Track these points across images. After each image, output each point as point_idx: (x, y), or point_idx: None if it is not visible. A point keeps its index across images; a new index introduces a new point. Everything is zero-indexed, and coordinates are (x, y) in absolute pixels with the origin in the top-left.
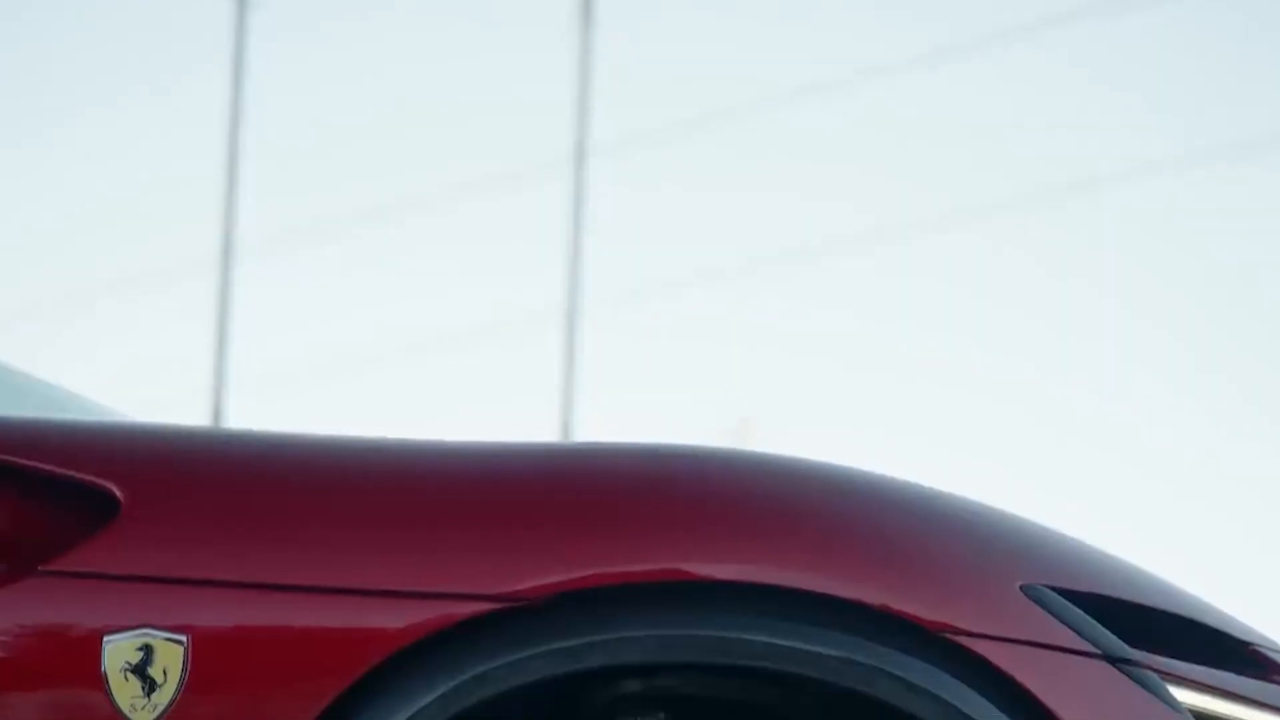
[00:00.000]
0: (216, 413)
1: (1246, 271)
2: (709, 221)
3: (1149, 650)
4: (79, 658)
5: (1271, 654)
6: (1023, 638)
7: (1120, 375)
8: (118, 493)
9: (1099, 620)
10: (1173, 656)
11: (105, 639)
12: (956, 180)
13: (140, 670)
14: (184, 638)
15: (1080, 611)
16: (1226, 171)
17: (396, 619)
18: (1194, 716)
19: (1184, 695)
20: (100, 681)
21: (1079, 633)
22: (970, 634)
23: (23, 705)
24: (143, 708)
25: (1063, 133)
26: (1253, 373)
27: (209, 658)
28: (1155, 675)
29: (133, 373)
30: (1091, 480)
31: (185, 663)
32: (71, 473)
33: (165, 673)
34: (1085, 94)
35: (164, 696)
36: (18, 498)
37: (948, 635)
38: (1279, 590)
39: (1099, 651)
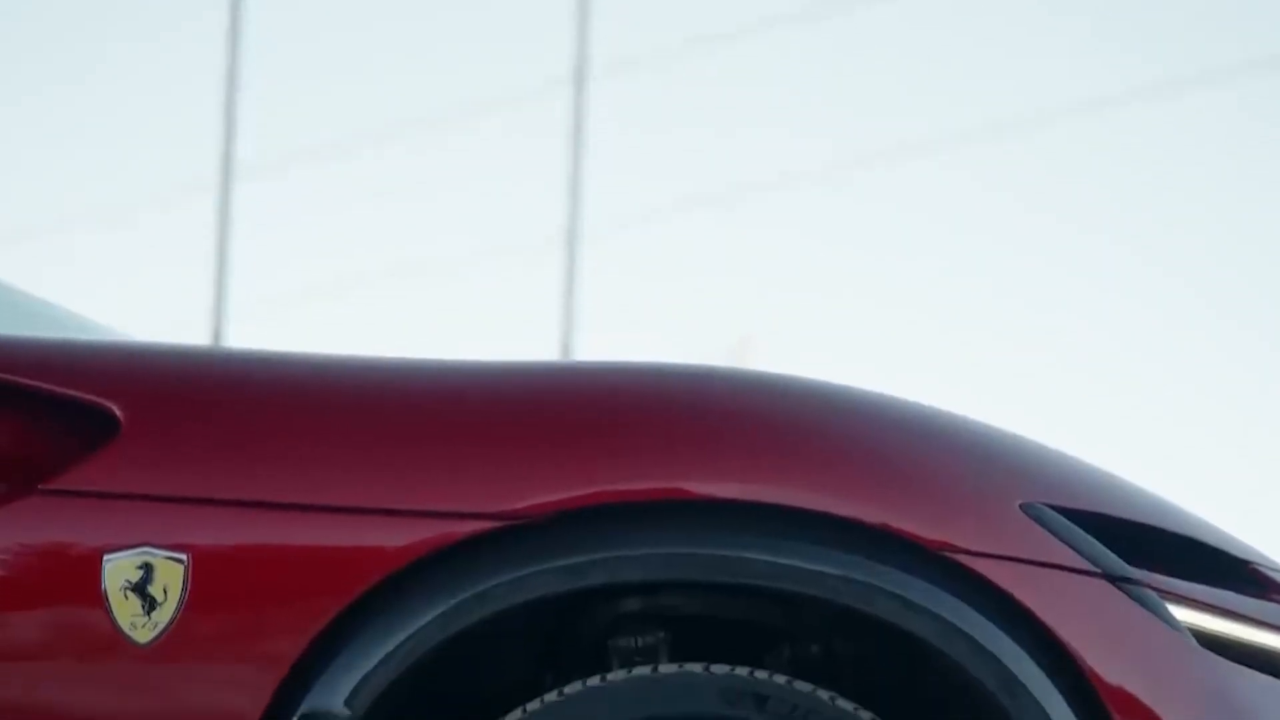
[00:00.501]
0: (216, 334)
1: (1210, 195)
2: (709, 147)
3: (1148, 569)
4: (79, 576)
5: (1270, 572)
6: (1022, 556)
7: (1127, 308)
8: (118, 412)
9: (1098, 539)
10: (1172, 575)
11: (105, 558)
12: (952, 105)
13: (140, 589)
14: (184, 556)
15: (1080, 530)
16: (1190, 100)
17: (396, 538)
18: (1193, 634)
19: (1183, 613)
20: (100, 600)
21: (1078, 551)
22: (969, 552)
23: (23, 624)
24: (143, 626)
25: (1058, 58)
26: (1227, 295)
27: (209, 576)
28: (1154, 594)
29: (133, 294)
30: (1092, 407)
31: (185, 581)
32: (71, 392)
33: (165, 591)
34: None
35: (164, 615)
36: (18, 417)
37: (947, 554)
38: (1275, 508)
39: (1098, 570)
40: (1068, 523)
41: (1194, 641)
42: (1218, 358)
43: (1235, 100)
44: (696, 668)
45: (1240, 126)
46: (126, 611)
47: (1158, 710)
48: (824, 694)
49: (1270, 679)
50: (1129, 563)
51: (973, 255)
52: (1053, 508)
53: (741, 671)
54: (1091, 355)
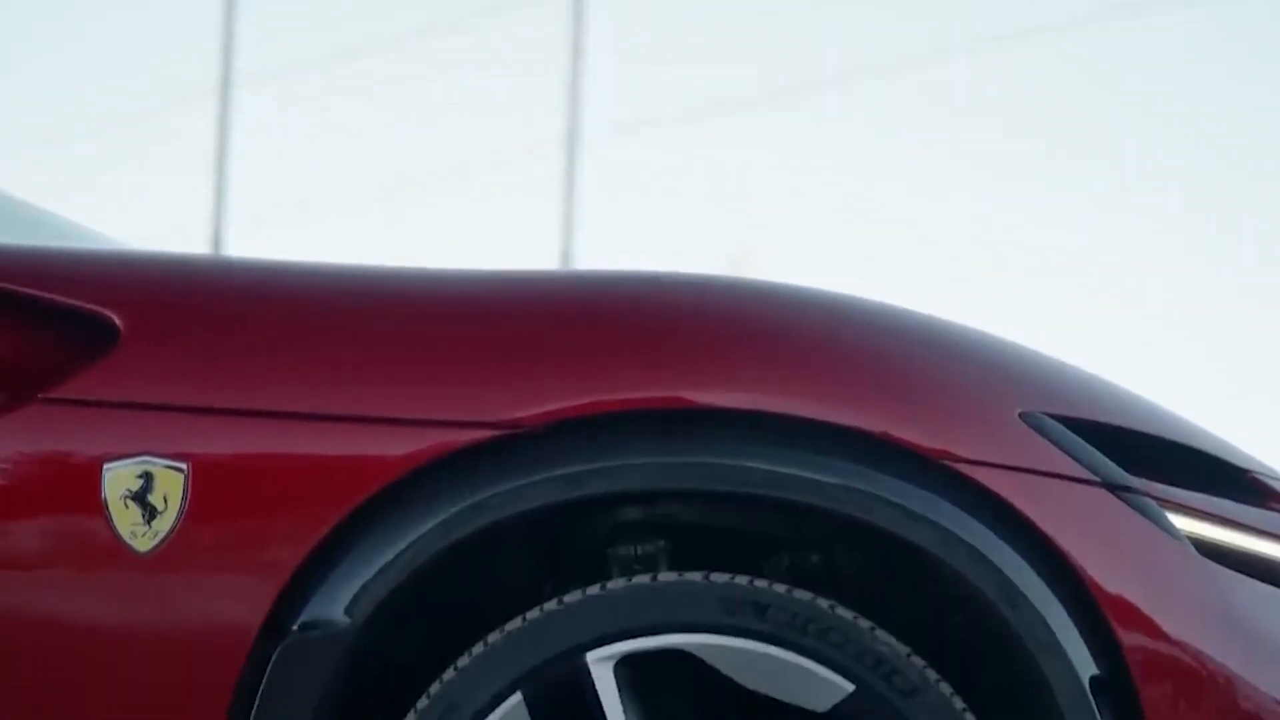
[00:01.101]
0: (216, 243)
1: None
2: (709, 56)
3: (1148, 477)
4: (79, 485)
5: (1269, 481)
6: (1021, 465)
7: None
8: (117, 321)
9: (1098, 447)
10: (1171, 483)
11: (105, 466)
12: (947, 16)
13: (140, 498)
14: (184, 465)
15: (1079, 439)
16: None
17: (396, 447)
18: (1192, 543)
19: (1182, 522)
20: (101, 509)
21: (1078, 460)
22: (969, 461)
23: (24, 533)
24: (143, 535)
25: None
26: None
27: (209, 485)
28: (1154, 502)
29: (132, 204)
30: (1091, 317)
31: (185, 490)
32: (71, 301)
33: (165, 500)
34: None
35: (164, 524)
36: (18, 326)
37: (947, 463)
38: (1274, 417)
39: (1097, 479)
40: (1067, 431)
41: (1193, 550)
42: (1212, 268)
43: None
44: (696, 576)
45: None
46: (126, 520)
47: (1157, 618)
48: (823, 603)
49: (1269, 587)
50: (1128, 471)
51: (974, 170)
52: (1052, 416)
53: (741, 580)
54: (1091, 265)
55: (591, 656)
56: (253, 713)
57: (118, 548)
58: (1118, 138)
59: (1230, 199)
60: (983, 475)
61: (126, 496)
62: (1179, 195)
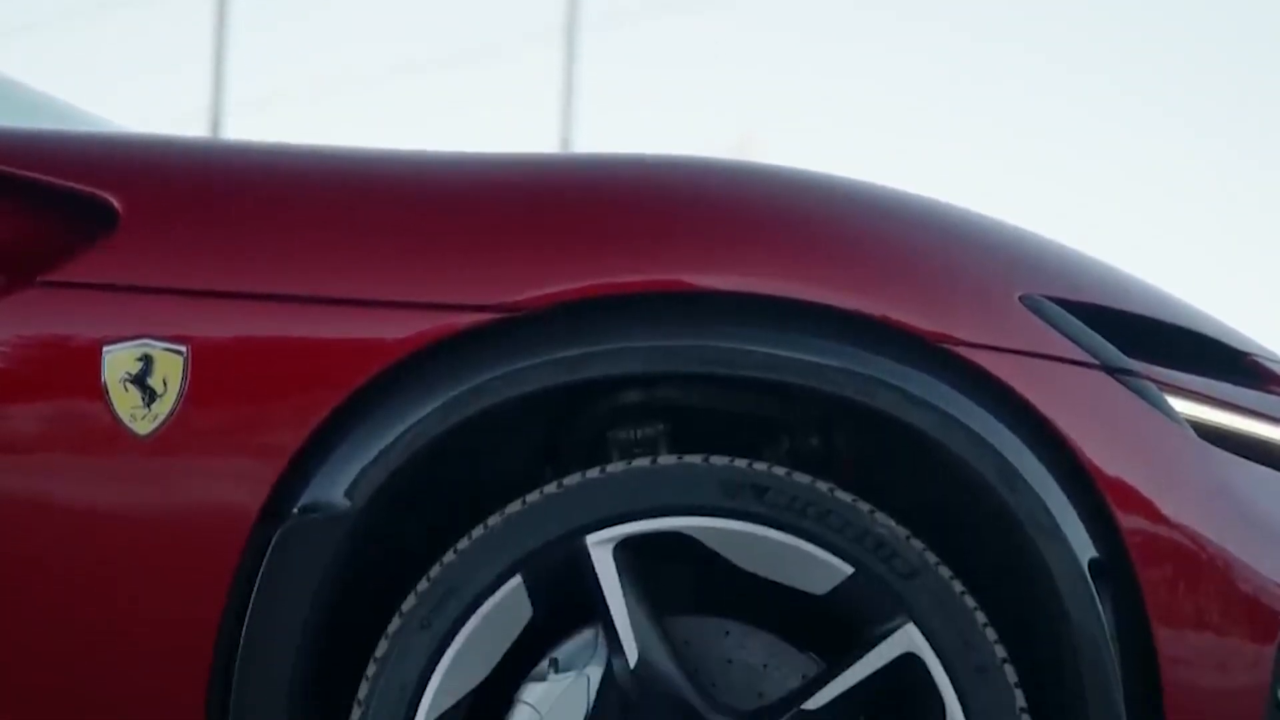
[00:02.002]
0: (215, 127)
1: None
2: None
3: (1147, 361)
4: (79, 368)
5: (1269, 364)
6: (1021, 348)
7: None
8: (116, 204)
9: (1098, 331)
10: (1171, 367)
11: (105, 349)
12: None
13: (140, 380)
14: (183, 348)
15: (1079, 322)
16: None
17: (396, 330)
18: (1191, 426)
19: (1181, 405)
20: (100, 392)
21: (1077, 343)
22: (969, 344)
23: (23, 416)
24: (143, 418)
25: None
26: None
27: (208, 368)
28: (1153, 385)
29: (132, 87)
30: (1091, 200)
31: (185, 373)
32: (70, 184)
33: (165, 383)
34: None
35: (164, 406)
36: (17, 208)
37: (946, 346)
38: (1273, 300)
39: (1097, 362)
40: (1067, 315)
41: (1192, 433)
42: (1214, 153)
43: None
44: (695, 459)
45: None
46: (126, 403)
47: (1156, 501)
48: (823, 485)
49: (1268, 470)
50: (1128, 355)
51: (975, 58)
52: (1052, 300)
53: (740, 463)
54: (1092, 149)
55: (591, 539)
56: (252, 595)
57: (118, 431)
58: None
59: (1230, 89)
60: (982, 358)
61: (126, 379)
62: (1184, 82)
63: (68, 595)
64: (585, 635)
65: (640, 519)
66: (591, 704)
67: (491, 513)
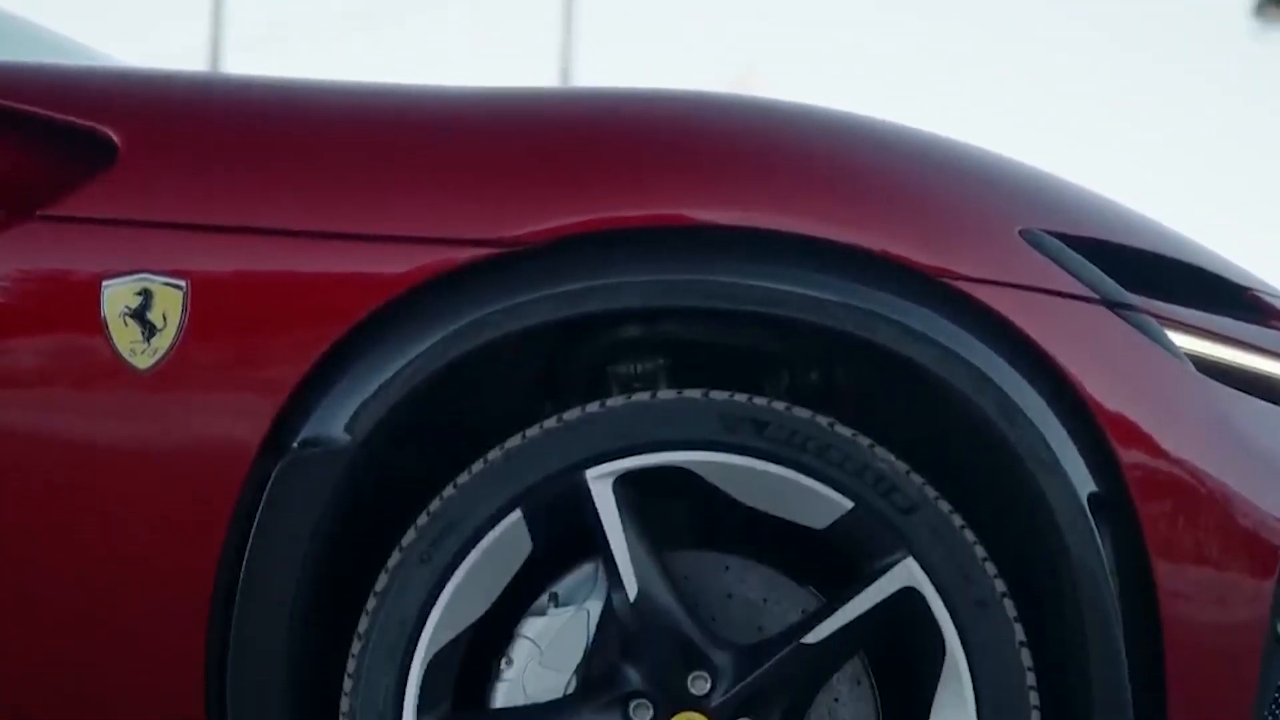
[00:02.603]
0: (214, 62)
1: None
2: None
3: (1148, 295)
4: (78, 303)
5: (1269, 298)
6: (1022, 282)
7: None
8: (115, 137)
9: (1098, 265)
10: (1171, 301)
11: (104, 284)
12: None
13: (139, 315)
14: (183, 282)
15: (1079, 256)
16: None
17: (395, 264)
18: (1192, 360)
19: (1182, 339)
20: (100, 326)
21: (1078, 277)
22: (969, 279)
23: (23, 351)
24: (142, 352)
25: None
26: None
27: (208, 302)
28: (1153, 320)
29: (132, 21)
30: (1091, 138)
31: (184, 307)
32: (69, 117)
33: (165, 317)
34: None
35: (164, 341)
36: (16, 142)
37: (947, 280)
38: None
39: (1097, 296)
40: (1067, 249)
41: (1192, 367)
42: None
43: None
44: (695, 393)
45: None
46: (126, 338)
47: (1156, 436)
48: (823, 420)
49: (1268, 405)
50: (1128, 289)
51: None
52: (1052, 234)
53: (740, 397)
54: (1097, 83)
55: (591, 474)
56: (252, 529)
57: (117, 365)
58: None
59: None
60: (983, 293)
61: (126, 314)
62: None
63: (68, 529)
64: (585, 570)
65: (640, 453)
66: (591, 638)
67: (491, 447)
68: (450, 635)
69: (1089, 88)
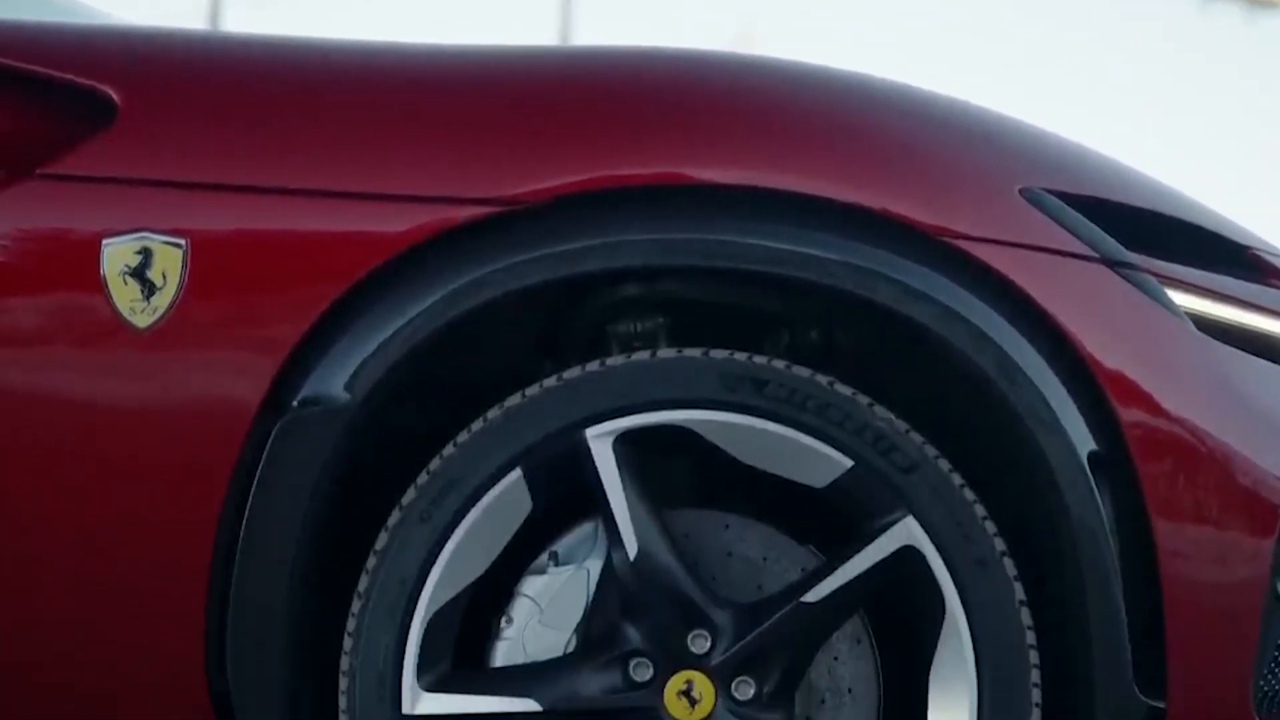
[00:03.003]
0: (214, 20)
1: None
2: None
3: (1147, 254)
4: (78, 261)
5: (1269, 257)
6: (1022, 241)
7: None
8: (115, 96)
9: (1098, 224)
10: (1171, 260)
11: (104, 242)
12: None
13: (139, 273)
14: (183, 241)
15: (1079, 215)
16: None
17: (395, 223)
18: (1191, 319)
19: (1181, 298)
20: (100, 285)
21: (1078, 236)
22: (969, 238)
23: (23, 309)
24: (142, 311)
25: None
26: None
27: (208, 261)
28: (1153, 278)
29: None
30: (1091, 96)
31: (184, 266)
32: (69, 76)
33: (164, 276)
34: None
35: (163, 300)
36: (15, 101)
37: (947, 239)
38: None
39: (1097, 255)
40: (1067, 208)
41: (1192, 326)
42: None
43: None
44: (695, 352)
45: None
46: (125, 296)
47: (1155, 395)
48: (822, 379)
49: (1268, 363)
50: (1128, 248)
51: None
52: (1052, 193)
53: (740, 356)
54: (1102, 41)
55: (591, 433)
56: (252, 488)
57: (117, 324)
58: None
59: None
60: (983, 251)
61: (125, 273)
62: None
63: (68, 488)
64: (585, 529)
65: (640, 412)
66: (591, 597)
67: (491, 406)
68: (450, 594)
69: (1089, 45)
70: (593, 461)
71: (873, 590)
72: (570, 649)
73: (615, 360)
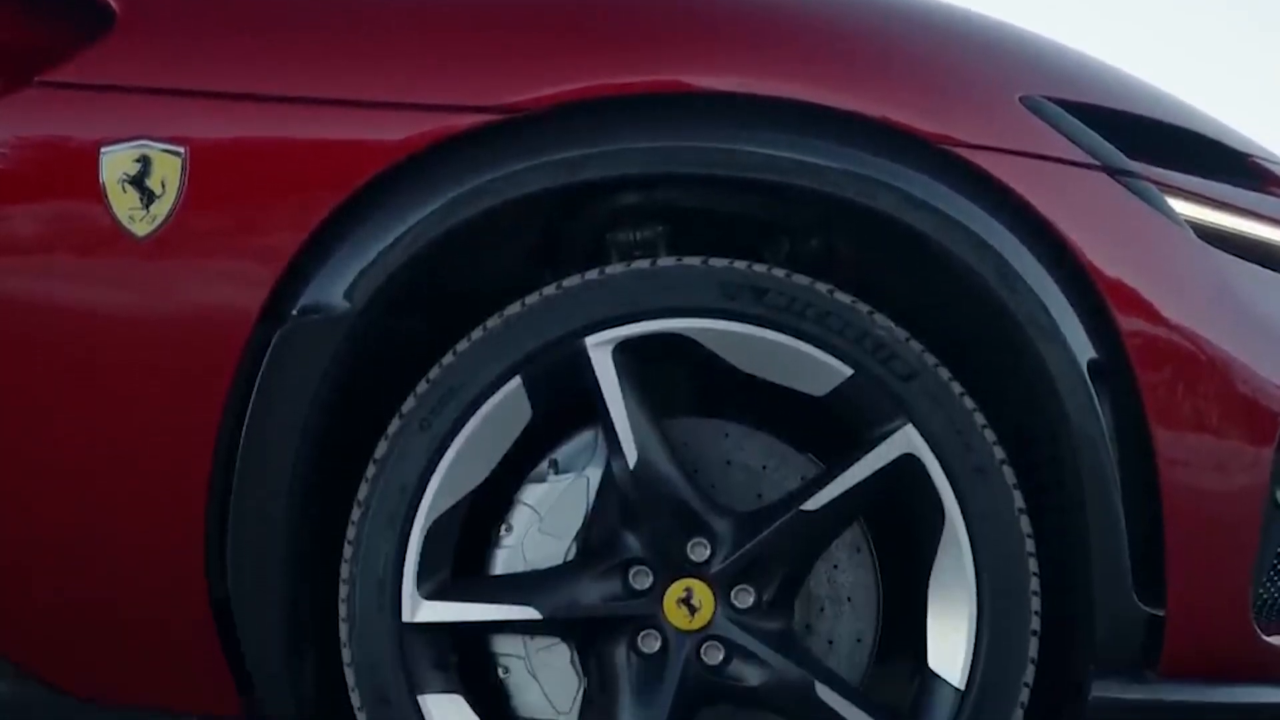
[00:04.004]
0: None
1: None
2: None
3: (1148, 162)
4: (77, 169)
5: (1269, 165)
6: (1022, 149)
7: None
8: (114, 3)
9: (1098, 131)
10: (1172, 168)
11: (103, 150)
12: None
13: (138, 182)
14: (181, 149)
15: (1079, 123)
16: None
17: (395, 131)
18: (1192, 227)
19: (1182, 206)
20: (99, 193)
21: (1077, 144)
22: (969, 146)
23: (22, 218)
24: (141, 219)
25: None
26: None
27: (207, 169)
28: (1153, 186)
29: None
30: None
31: (183, 174)
32: None
33: (163, 184)
34: None
35: (162, 208)
36: (14, 8)
37: (947, 147)
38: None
39: (1097, 163)
40: (1067, 116)
41: (1192, 234)
42: None
43: None
44: (695, 261)
45: None
46: (125, 204)
47: (1155, 302)
48: (822, 287)
49: (1268, 271)
50: (1129, 156)
51: None
52: (1053, 100)
53: (740, 264)
54: None
55: (590, 341)
56: (252, 397)
57: (116, 232)
58: None
59: None
60: (983, 159)
61: (124, 180)
62: None
63: (67, 397)
64: (584, 437)
65: (639, 320)
66: (591, 504)
67: (491, 315)
68: (450, 502)
69: None
70: (592, 370)
71: (872, 498)
72: (570, 557)
73: (615, 268)
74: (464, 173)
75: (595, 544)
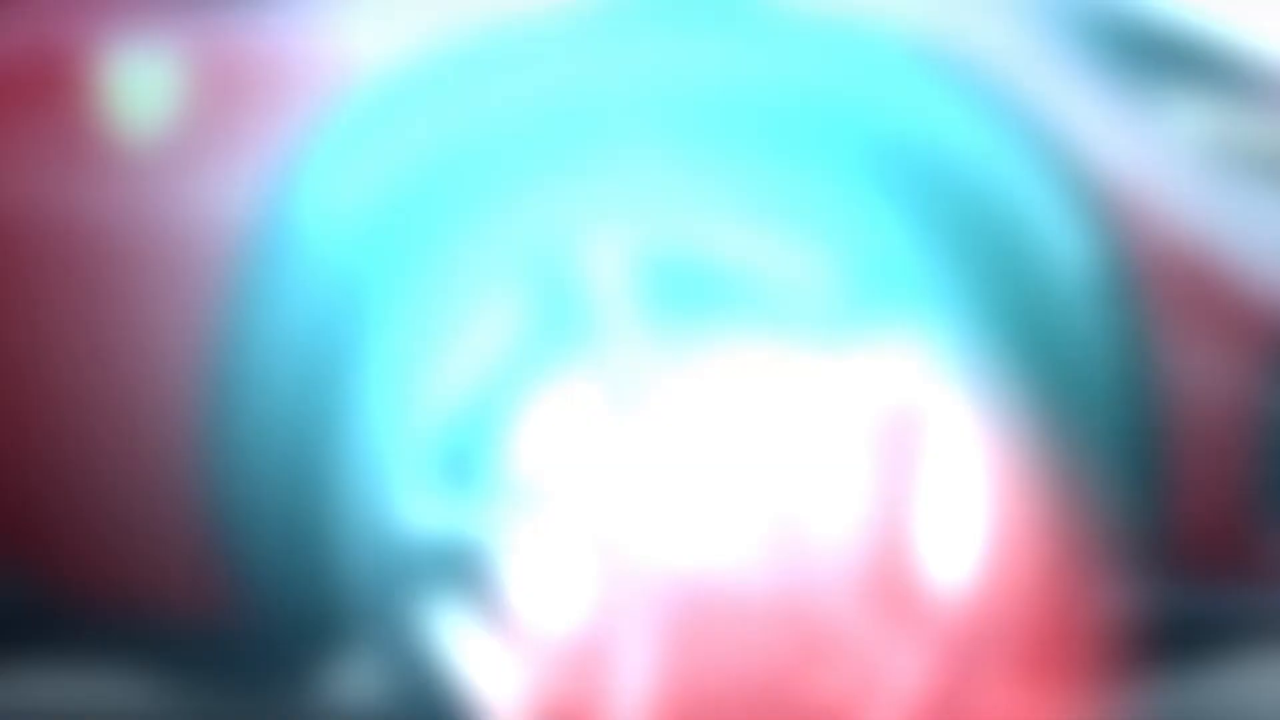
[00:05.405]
0: None
1: None
2: None
3: (1154, 69)
4: (69, 71)
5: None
6: None
7: None
8: None
9: (1100, 39)
10: (1177, 75)
11: (98, 50)
12: None
13: (134, 83)
14: (180, 51)
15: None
16: None
17: None
18: (1197, 137)
19: (1188, 115)
20: (92, 95)
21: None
22: None
23: (12, 120)
24: (137, 122)
25: None
26: None
27: (206, 73)
28: (1160, 94)
29: None
30: None
31: (181, 77)
32: None
33: (160, 86)
34: None
35: (158, 111)
36: None
37: None
38: None
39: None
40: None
41: (1198, 145)
42: None
43: None
44: None
45: None
46: (119, 106)
47: (1159, 211)
48: None
49: (1273, 184)
50: (1134, 63)
51: None
52: None
53: None
54: None
55: None
56: None
57: (110, 135)
58: None
59: None
60: None
61: (119, 82)
62: None
63: (62, 300)
64: None
65: None
66: None
67: None
68: None
69: None
70: None
71: None
72: None
73: None
74: None
75: None
